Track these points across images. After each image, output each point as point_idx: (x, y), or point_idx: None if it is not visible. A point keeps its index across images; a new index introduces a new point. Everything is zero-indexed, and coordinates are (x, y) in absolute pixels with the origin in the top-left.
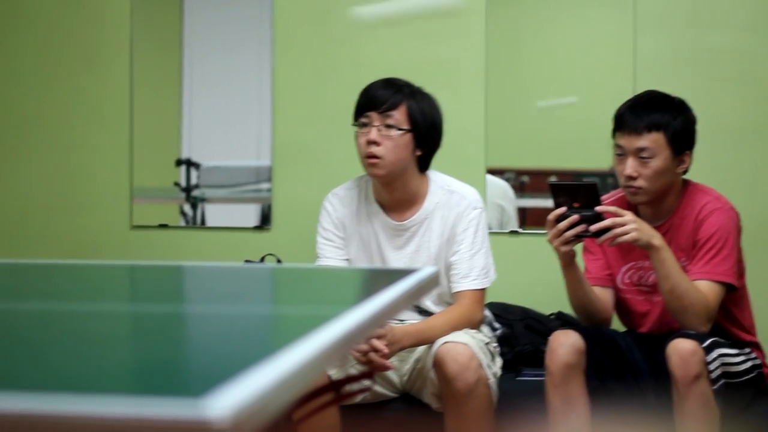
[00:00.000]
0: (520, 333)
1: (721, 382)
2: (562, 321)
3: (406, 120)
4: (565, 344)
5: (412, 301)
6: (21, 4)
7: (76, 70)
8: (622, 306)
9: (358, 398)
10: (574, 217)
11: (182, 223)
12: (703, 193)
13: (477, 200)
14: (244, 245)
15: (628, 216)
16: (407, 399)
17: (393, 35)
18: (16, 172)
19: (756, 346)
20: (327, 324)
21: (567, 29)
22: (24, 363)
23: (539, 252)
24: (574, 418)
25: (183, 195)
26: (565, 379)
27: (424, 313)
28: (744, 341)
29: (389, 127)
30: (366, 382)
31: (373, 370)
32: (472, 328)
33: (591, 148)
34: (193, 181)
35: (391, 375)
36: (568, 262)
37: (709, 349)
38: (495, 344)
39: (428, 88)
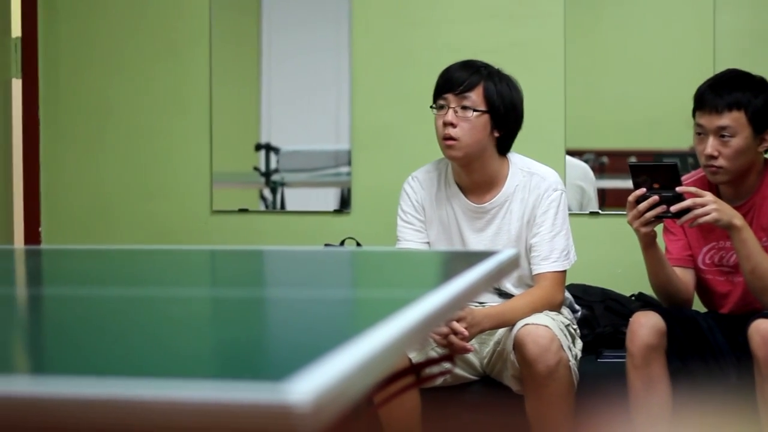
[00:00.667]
0: (601, 314)
1: None
2: (642, 302)
3: (482, 101)
4: (645, 325)
5: (492, 283)
6: None
7: (156, 56)
8: (703, 287)
9: (439, 381)
10: (654, 197)
11: (262, 208)
12: None
13: (557, 182)
14: (324, 229)
15: (709, 196)
16: (487, 382)
17: (471, 17)
18: (97, 159)
19: None
20: (407, 307)
21: (646, 8)
22: (106, 349)
23: (619, 233)
24: (656, 399)
25: (263, 179)
26: (646, 361)
27: (505, 295)
28: None
29: (465, 108)
30: (446, 365)
31: (453, 352)
32: (553, 310)
33: (671, 128)
34: (273, 165)
35: (472, 358)
36: (648, 243)
37: None
38: (575, 326)
39: (507, 69)
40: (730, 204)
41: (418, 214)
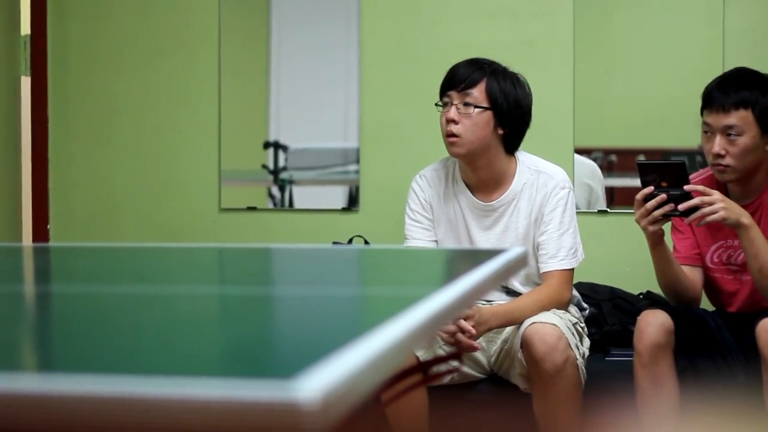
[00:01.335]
0: (608, 313)
1: None
2: (650, 300)
3: (485, 98)
4: (653, 324)
5: (499, 281)
6: None
7: (165, 54)
8: (711, 285)
9: (446, 379)
10: (662, 196)
11: (270, 206)
12: None
13: (565, 180)
14: (332, 227)
15: (716, 195)
16: (495, 380)
17: (480, 15)
18: (106, 157)
19: None
20: (415, 305)
21: (655, 6)
22: (115, 346)
23: (627, 231)
24: (663, 398)
25: (271, 177)
26: (653, 359)
27: (512, 293)
28: None
29: (467, 105)
30: (454, 363)
31: (460, 350)
32: (560, 308)
33: (679, 127)
34: (281, 163)
35: (479, 356)
36: (656, 241)
37: None
38: (583, 324)
39: (516, 67)
40: (738, 203)
41: (426, 213)
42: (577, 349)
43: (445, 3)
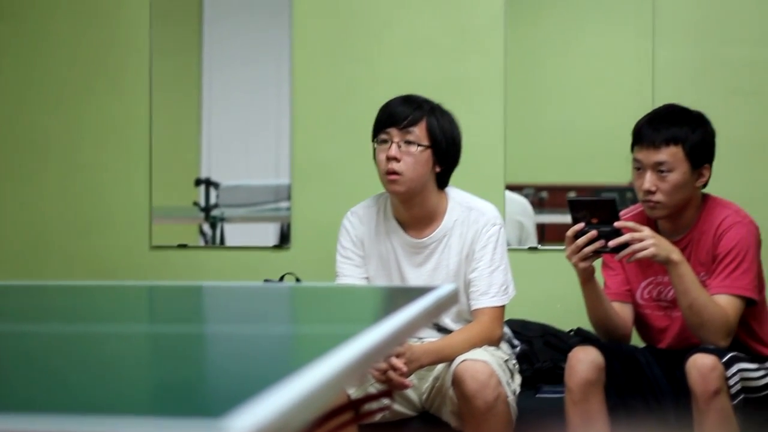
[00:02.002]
0: (540, 350)
1: (741, 397)
2: (581, 337)
3: (426, 136)
4: (584, 361)
5: (431, 319)
6: (36, 25)
7: (95, 90)
8: (641, 321)
9: (378, 417)
10: (593, 232)
11: (201, 243)
12: (723, 207)
13: (496, 216)
14: (264, 264)
15: (646, 231)
16: (426, 417)
17: (411, 52)
18: (35, 193)
19: None
20: (346, 343)
21: (585, 44)
22: (44, 385)
23: (558, 268)
24: None
25: (202, 214)
26: (584, 396)
27: (443, 330)
28: (764, 356)
29: (409, 143)
30: (385, 401)
31: (392, 388)
32: (492, 345)
33: (610, 163)
34: (213, 200)
35: (410, 393)
36: (587, 278)
37: (728, 364)
38: (514, 361)
39: (447, 104)
40: (668, 239)
41: (357, 250)
42: (508, 386)
43: (376, 40)
